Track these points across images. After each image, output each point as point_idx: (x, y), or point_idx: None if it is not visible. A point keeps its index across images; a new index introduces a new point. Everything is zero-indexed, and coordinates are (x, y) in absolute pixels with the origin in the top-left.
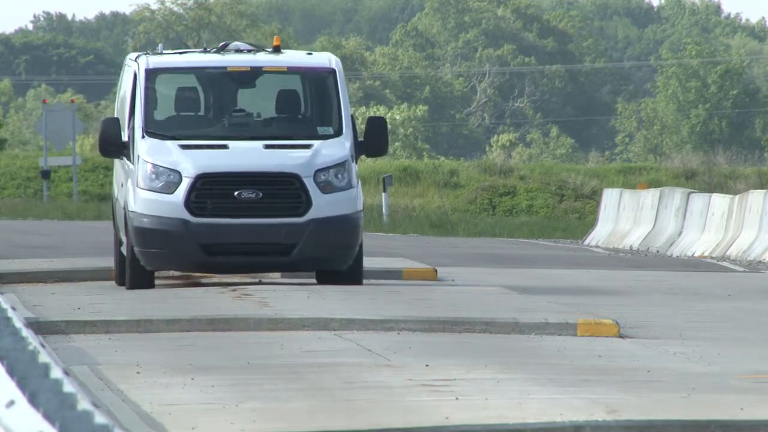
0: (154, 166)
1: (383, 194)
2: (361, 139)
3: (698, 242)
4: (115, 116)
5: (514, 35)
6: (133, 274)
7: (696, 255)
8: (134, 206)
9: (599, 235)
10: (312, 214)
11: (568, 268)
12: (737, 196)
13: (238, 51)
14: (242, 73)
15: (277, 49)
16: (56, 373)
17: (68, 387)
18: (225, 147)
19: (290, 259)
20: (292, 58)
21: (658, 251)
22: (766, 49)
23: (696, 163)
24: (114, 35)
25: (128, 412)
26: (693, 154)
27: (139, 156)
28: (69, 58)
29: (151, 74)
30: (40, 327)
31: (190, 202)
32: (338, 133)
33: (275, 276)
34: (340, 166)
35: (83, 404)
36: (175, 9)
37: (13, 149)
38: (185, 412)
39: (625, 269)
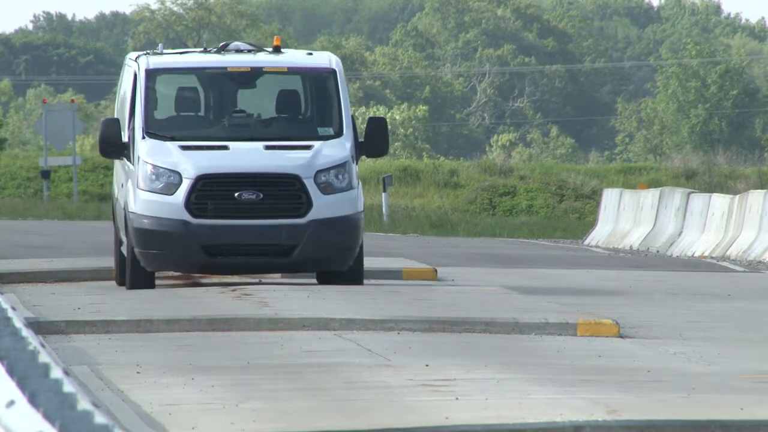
0: (155, 167)
1: (383, 194)
2: (361, 139)
3: (698, 242)
4: (115, 117)
5: (514, 35)
6: (134, 274)
7: (696, 255)
8: (134, 207)
9: (599, 235)
10: (313, 215)
11: (568, 268)
12: (737, 196)
13: (239, 51)
14: (242, 73)
15: (277, 50)
16: (56, 373)
17: (68, 387)
18: (225, 148)
19: (291, 260)
20: (293, 58)
21: (658, 251)
22: (766, 49)
23: (696, 163)
24: (114, 35)
25: (128, 412)
26: (693, 154)
27: (139, 157)
28: (69, 58)
29: (152, 74)
30: (40, 327)
31: (190, 203)
32: (339, 133)
33: (275, 276)
34: (341, 167)
35: (83, 404)
36: (175, 9)
37: (13, 149)
38: (185, 412)
39: (625, 269)
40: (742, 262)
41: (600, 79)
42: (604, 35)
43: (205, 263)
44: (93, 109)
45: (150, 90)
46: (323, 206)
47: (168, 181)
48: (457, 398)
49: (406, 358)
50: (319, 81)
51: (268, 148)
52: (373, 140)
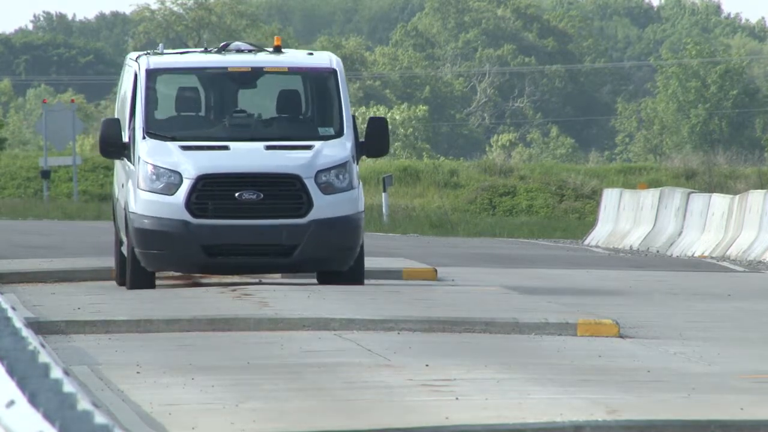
0: (155, 167)
1: (383, 194)
2: (362, 139)
3: (698, 242)
4: (116, 117)
5: (514, 35)
6: (134, 274)
7: (696, 255)
8: (135, 207)
9: (599, 235)
10: (313, 215)
11: (568, 268)
12: (737, 196)
13: (239, 51)
14: (243, 73)
15: (278, 50)
16: (56, 373)
17: (68, 387)
18: (226, 148)
19: (291, 260)
20: (293, 58)
21: (658, 251)
22: (766, 49)
23: (696, 163)
24: (114, 35)
25: (128, 412)
26: (693, 154)
27: (139, 157)
28: (69, 58)
29: (152, 74)
30: (40, 327)
31: (190, 204)
32: (339, 133)
33: (275, 276)
34: (341, 166)
35: (83, 404)
36: (175, 9)
37: (13, 149)
38: (185, 412)
39: (625, 269)
40: (742, 262)
41: (600, 79)
42: (604, 35)
43: (205, 263)
44: (93, 109)
45: (150, 90)
46: (324, 206)
47: (168, 181)
48: (457, 398)
49: (406, 358)
50: (320, 81)
51: (268, 148)
52: (374, 140)
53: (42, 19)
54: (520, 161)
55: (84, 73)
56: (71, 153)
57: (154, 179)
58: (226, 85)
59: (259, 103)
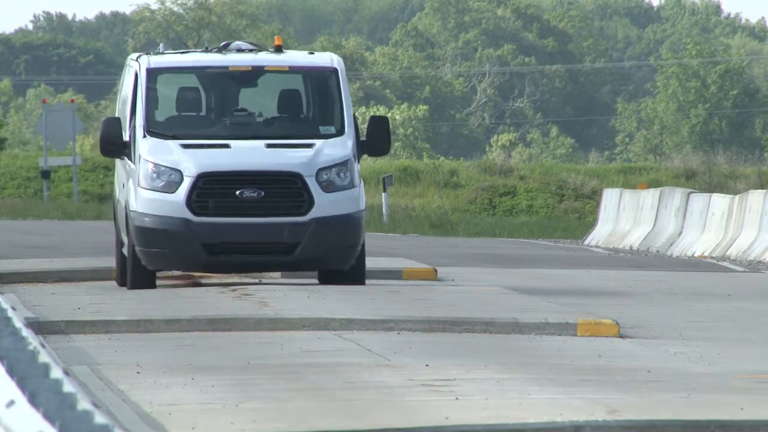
0: (156, 165)
1: (383, 194)
2: (363, 138)
3: (698, 242)
4: (116, 116)
5: (514, 35)
6: (135, 274)
7: (696, 255)
8: (135, 206)
9: (599, 235)
10: (314, 213)
11: (568, 268)
12: (737, 196)
13: (240, 51)
14: (244, 72)
15: (278, 49)
16: (56, 373)
17: (68, 387)
18: (227, 146)
19: (293, 259)
20: (294, 57)
21: (658, 251)
22: (766, 49)
23: (696, 163)
24: (114, 35)
25: (128, 412)
26: (693, 154)
27: (140, 155)
28: (69, 58)
29: (153, 74)
30: (40, 327)
31: (191, 202)
32: (340, 132)
33: (275, 276)
34: (342, 165)
35: (83, 404)
36: (175, 9)
37: (13, 149)
38: (185, 412)
39: (625, 269)
40: (742, 262)
41: (600, 79)
42: (604, 35)
43: (206, 261)
44: (93, 109)
45: (151, 89)
46: (325, 204)
47: (169, 180)
48: (457, 398)
49: (406, 358)
50: (321, 80)
51: (269, 146)
52: (375, 139)
53: (42, 19)
54: (520, 161)
55: (84, 73)
56: (71, 153)
57: (154, 177)
58: (226, 84)
59: (260, 102)
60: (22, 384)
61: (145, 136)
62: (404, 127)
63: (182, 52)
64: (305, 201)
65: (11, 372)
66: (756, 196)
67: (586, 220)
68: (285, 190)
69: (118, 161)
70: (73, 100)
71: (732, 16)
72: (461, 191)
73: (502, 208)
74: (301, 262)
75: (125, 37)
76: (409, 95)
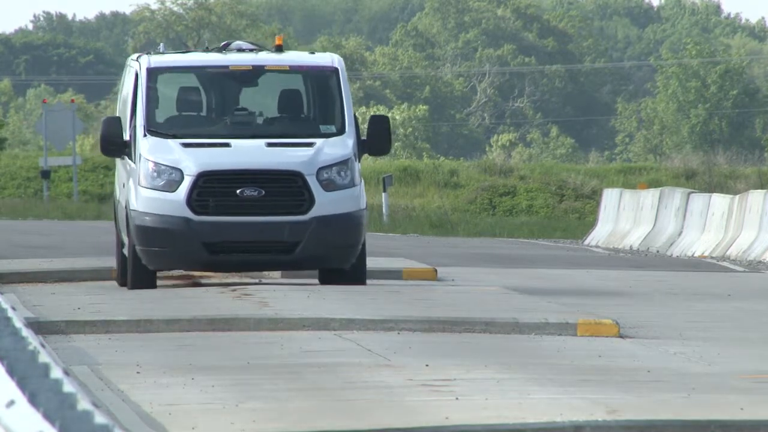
0: (156, 164)
1: (383, 194)
2: (363, 137)
3: (698, 242)
4: (116, 115)
5: (514, 35)
6: (135, 274)
7: (696, 255)
8: (136, 205)
9: (599, 235)
10: (315, 211)
11: (568, 268)
12: (737, 196)
13: (240, 50)
14: (244, 72)
15: (279, 48)
16: (56, 373)
17: (68, 387)
18: (227, 145)
19: (293, 257)
20: (295, 57)
21: (658, 251)
22: (766, 49)
23: (696, 163)
24: (114, 35)
25: (128, 412)
26: (693, 154)
27: (140, 154)
28: (69, 58)
29: (153, 73)
30: (40, 327)
31: (192, 201)
32: (341, 131)
33: (275, 276)
34: (343, 164)
35: (83, 404)
36: (175, 9)
37: (13, 149)
38: (185, 412)
39: (625, 269)
40: (742, 262)
41: (600, 79)
42: (604, 35)
43: (207, 260)
44: (93, 109)
45: (151, 89)
46: (326, 203)
47: (170, 179)
48: (457, 398)
49: (406, 358)
50: (322, 79)
51: (270, 145)
52: (376, 138)
53: (42, 19)
54: (520, 161)
55: (84, 73)
56: (71, 153)
57: (155, 176)
58: (227, 83)
59: (261, 102)
60: (22, 384)
61: (145, 135)
62: (404, 127)
63: (182, 52)
64: (306, 200)
65: (11, 372)
66: (756, 196)
67: (586, 220)
68: (285, 188)
69: (118, 161)
70: (73, 100)
71: (732, 16)
72: (461, 191)
73: (502, 208)
74: (302, 261)
75: (125, 37)
76: (409, 95)
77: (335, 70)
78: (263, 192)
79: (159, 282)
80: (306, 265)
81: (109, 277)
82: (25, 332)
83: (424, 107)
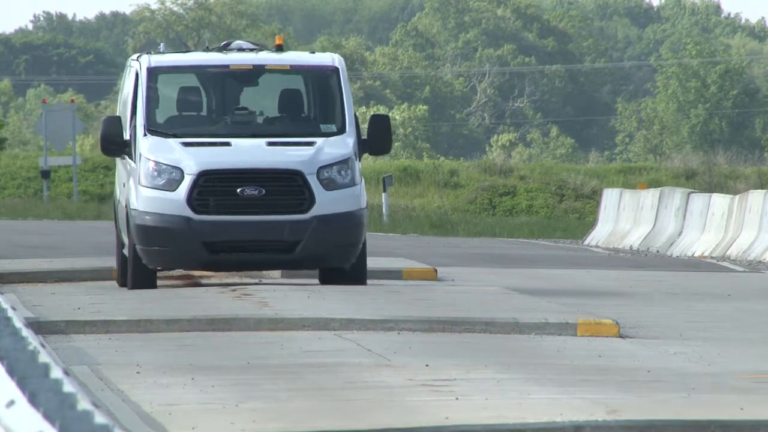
0: (156, 163)
1: (383, 194)
2: (364, 137)
3: (698, 242)
4: (117, 115)
5: (514, 35)
6: (135, 274)
7: (696, 255)
8: (136, 204)
9: (599, 235)
10: (315, 211)
11: (568, 268)
12: (737, 196)
13: (241, 50)
14: (245, 71)
15: (279, 48)
16: (56, 373)
17: (68, 387)
18: (227, 144)
19: (294, 257)
20: (295, 56)
21: (658, 251)
22: (766, 49)
23: (696, 163)
24: (114, 35)
25: (128, 412)
26: (693, 154)
27: (141, 154)
28: (69, 58)
29: (153, 73)
30: (40, 327)
31: (192, 200)
32: (341, 130)
33: (275, 276)
34: (344, 163)
35: (83, 404)
36: (175, 9)
37: (13, 149)
38: (185, 412)
39: (625, 269)
40: (742, 262)
41: (600, 79)
42: (604, 35)
43: (207, 260)
44: (93, 109)
45: (151, 88)
46: (326, 202)
47: (170, 178)
48: (457, 398)
49: (406, 358)
50: (322, 79)
51: (270, 144)
52: (376, 138)
53: (42, 19)
54: (520, 161)
55: (84, 73)
56: (71, 153)
57: (155, 176)
58: (227, 83)
59: (261, 101)
60: (22, 384)
61: (145, 135)
62: (404, 127)
63: (183, 52)
64: (306, 199)
65: (11, 372)
66: (756, 196)
67: (586, 220)
68: (286, 187)
69: (118, 162)
70: (73, 100)
71: (732, 16)
72: (461, 191)
73: (502, 208)
74: (302, 260)
75: (125, 37)
76: (409, 95)
77: (336, 70)
78: (264, 191)
79: (159, 282)
80: (306, 264)
81: (109, 277)
82: (25, 332)
83: (424, 107)
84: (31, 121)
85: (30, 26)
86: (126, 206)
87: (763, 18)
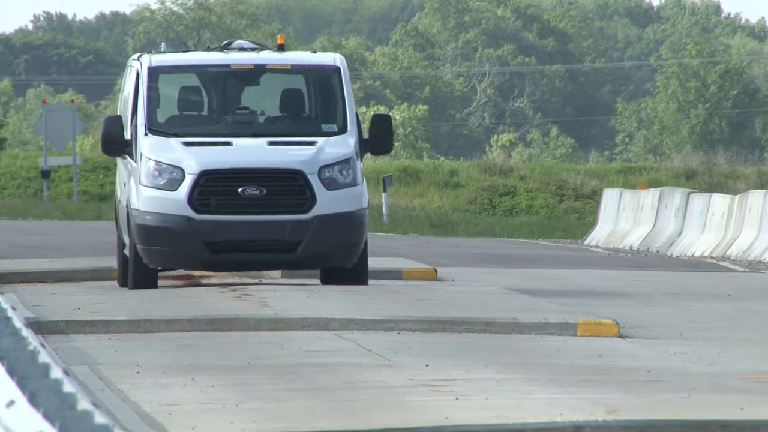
0: (157, 163)
1: (383, 194)
2: (365, 136)
3: (698, 242)
4: (117, 114)
5: (514, 35)
6: (136, 274)
7: (696, 255)
8: (137, 204)
9: (599, 235)
10: (317, 210)
11: (568, 268)
12: (737, 196)
13: (242, 49)
14: (246, 71)
15: (281, 48)
16: (56, 373)
17: (68, 387)
18: (228, 144)
19: (295, 256)
20: (297, 56)
21: (658, 251)
22: (766, 49)
23: (696, 163)
24: (114, 35)
25: (128, 412)
26: (693, 154)
27: (141, 153)
28: (69, 58)
29: (154, 72)
30: (40, 327)
31: (193, 199)
32: (343, 130)
33: (275, 276)
34: (345, 162)
35: (83, 404)
36: (175, 9)
37: (13, 149)
38: (185, 412)
39: (625, 269)
40: (742, 262)
41: (600, 79)
42: (604, 35)
43: (208, 260)
44: (93, 109)
45: (152, 88)
46: (327, 202)
47: (171, 177)
48: (457, 398)
49: (406, 358)
50: (324, 78)
51: (271, 143)
52: (378, 138)
53: (42, 19)
54: (520, 161)
55: (84, 73)
56: (71, 153)
57: (156, 175)
58: (228, 82)
59: (262, 101)
60: (22, 384)
61: (146, 134)
62: (404, 127)
63: (184, 52)
64: (307, 198)
65: (11, 372)
66: (756, 196)
67: (586, 220)
68: (287, 187)
69: (119, 161)
70: (73, 100)
71: (732, 16)
72: (461, 191)
73: (502, 208)
74: (304, 260)
75: (125, 37)
76: (409, 95)
77: (337, 69)
78: (265, 191)
79: (159, 282)
80: (307, 264)
81: (109, 277)
82: (25, 332)
83: (424, 107)
84: (31, 121)
85: (30, 26)
86: (127, 206)
87: (763, 18)
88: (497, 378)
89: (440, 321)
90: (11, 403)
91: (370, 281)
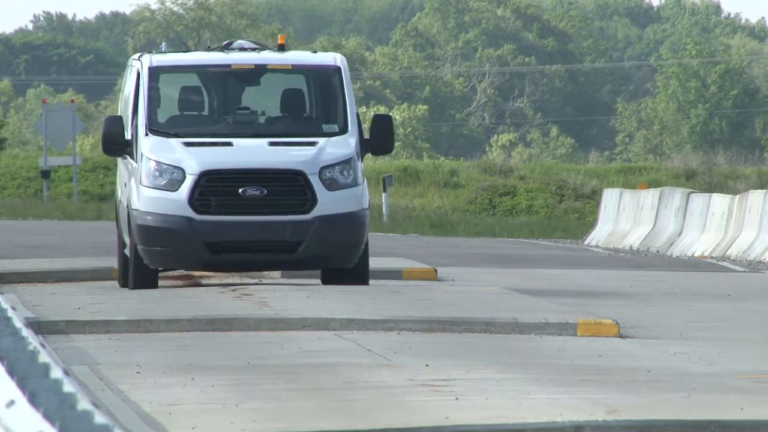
0: (158, 163)
1: (383, 194)
2: (366, 137)
3: (698, 242)
4: (118, 114)
5: (514, 35)
6: (137, 274)
7: (696, 255)
8: (138, 204)
9: (599, 235)
10: (317, 211)
11: (568, 268)
12: (737, 196)
13: (243, 49)
14: (246, 71)
15: (281, 48)
16: (56, 373)
17: (68, 387)
18: (229, 144)
19: (296, 257)
20: (297, 56)
21: (658, 251)
22: (766, 49)
23: (696, 163)
24: (114, 35)
25: (128, 412)
26: (693, 154)
27: (142, 153)
28: (69, 58)
29: (155, 72)
30: (40, 327)
31: (194, 200)
32: (343, 130)
33: (275, 276)
34: (346, 163)
35: (83, 404)
36: (175, 9)
37: (13, 149)
38: (185, 412)
39: (625, 269)
40: (742, 262)
41: (600, 79)
42: (604, 35)
43: (209, 260)
44: (93, 109)
45: (153, 88)
46: (328, 202)
47: (171, 178)
48: (457, 398)
49: (406, 358)
50: (324, 78)
51: (272, 144)
52: (379, 138)
53: (42, 19)
54: (520, 161)
55: (84, 73)
56: (71, 153)
57: (156, 175)
58: (229, 82)
59: (263, 101)
60: (22, 384)
61: (147, 134)
62: (404, 127)
63: (184, 51)
64: (308, 199)
65: (11, 372)
66: (756, 196)
67: (586, 220)
68: (288, 188)
69: (120, 161)
70: (73, 100)
71: (732, 16)
72: (461, 191)
73: (502, 208)
74: (304, 260)
75: (125, 37)
76: (409, 95)
77: (338, 69)
78: (265, 191)
79: (159, 282)
80: (308, 264)
81: (109, 277)
82: (25, 332)
83: (424, 107)
84: (31, 121)
85: (30, 26)
86: (127, 206)
87: (763, 18)
88: (497, 378)
89: (440, 321)
90: (11, 403)
91: (370, 281)
